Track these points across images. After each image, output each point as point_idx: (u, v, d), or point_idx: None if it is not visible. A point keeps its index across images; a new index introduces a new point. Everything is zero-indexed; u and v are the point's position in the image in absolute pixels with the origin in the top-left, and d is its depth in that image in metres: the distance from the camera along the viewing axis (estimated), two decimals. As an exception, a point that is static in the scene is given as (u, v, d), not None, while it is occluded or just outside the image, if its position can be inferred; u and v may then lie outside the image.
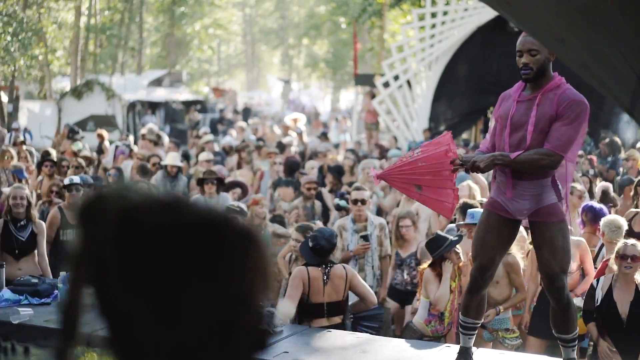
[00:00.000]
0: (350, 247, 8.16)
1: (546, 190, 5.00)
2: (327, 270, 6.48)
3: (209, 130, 24.91)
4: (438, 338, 6.67)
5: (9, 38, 26.66)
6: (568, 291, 5.08)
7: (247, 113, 38.21)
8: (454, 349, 5.66)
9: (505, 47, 18.10)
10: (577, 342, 5.27)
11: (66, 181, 9.13)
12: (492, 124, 5.33)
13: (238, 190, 11.01)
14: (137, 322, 1.10)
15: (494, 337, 6.81)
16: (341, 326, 6.46)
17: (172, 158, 12.77)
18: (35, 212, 8.30)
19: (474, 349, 5.48)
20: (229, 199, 10.24)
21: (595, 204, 8.43)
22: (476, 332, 5.45)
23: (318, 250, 6.54)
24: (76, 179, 9.10)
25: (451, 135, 5.27)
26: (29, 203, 8.11)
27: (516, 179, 5.02)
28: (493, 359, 5.65)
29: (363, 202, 8.37)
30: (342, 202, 9.20)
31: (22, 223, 7.97)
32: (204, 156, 13.74)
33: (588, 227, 8.17)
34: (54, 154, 13.23)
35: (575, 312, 5.21)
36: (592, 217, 8.07)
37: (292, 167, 12.34)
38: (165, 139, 18.65)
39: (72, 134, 19.93)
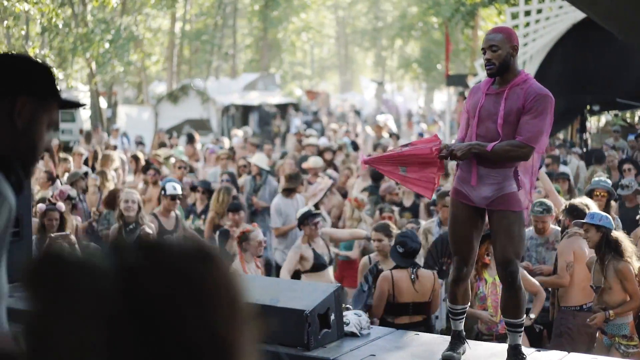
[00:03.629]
0: None
1: (507, 179, 5.19)
2: (414, 271, 6.86)
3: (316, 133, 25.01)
4: (500, 338, 6.58)
5: (107, 45, 27.33)
6: (520, 276, 5.25)
7: (358, 115, 38.32)
8: (542, 354, 5.53)
9: (600, 44, 17.74)
10: (523, 327, 5.36)
11: (170, 190, 9.11)
12: (464, 116, 5.51)
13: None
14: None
15: (612, 342, 6.54)
16: (424, 324, 6.91)
17: (257, 158, 12.82)
18: (144, 216, 8.51)
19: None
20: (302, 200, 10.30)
21: None
22: (464, 315, 5.60)
23: (410, 254, 6.91)
24: (178, 188, 9.20)
25: (439, 139, 5.45)
26: (139, 207, 8.34)
27: (481, 167, 5.22)
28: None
29: None
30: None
31: (131, 227, 8.21)
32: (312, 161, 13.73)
33: None
34: (142, 158, 13.56)
35: (525, 298, 5.33)
36: None
37: (377, 176, 12.20)
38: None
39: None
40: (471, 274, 5.55)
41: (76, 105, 2.40)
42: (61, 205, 8.18)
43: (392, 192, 10.48)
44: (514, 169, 5.17)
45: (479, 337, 6.86)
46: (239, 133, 22.04)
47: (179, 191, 9.12)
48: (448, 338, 6.05)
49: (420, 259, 7.60)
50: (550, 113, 5.08)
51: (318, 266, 8.12)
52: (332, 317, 5.54)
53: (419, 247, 7.03)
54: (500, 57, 5.10)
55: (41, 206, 7.95)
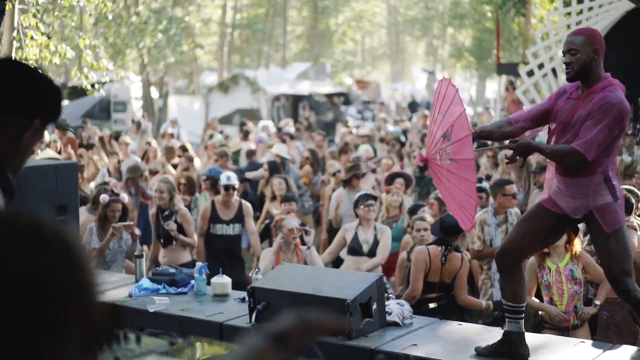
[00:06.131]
0: (495, 242, 7.95)
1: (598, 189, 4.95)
2: (445, 252, 6.89)
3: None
4: (563, 329, 6.48)
5: (159, 35, 27.59)
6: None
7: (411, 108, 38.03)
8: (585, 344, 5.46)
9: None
10: None
11: (223, 181, 9.15)
12: (545, 104, 5.21)
13: (400, 181, 10.65)
14: None
15: None
16: (447, 303, 6.91)
17: (278, 148, 13.04)
18: (178, 202, 8.70)
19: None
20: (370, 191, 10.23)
21: None
22: (521, 316, 5.25)
23: (446, 229, 6.92)
24: (233, 178, 9.25)
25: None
26: (171, 195, 8.54)
27: (565, 177, 5.03)
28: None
29: (514, 195, 8.23)
30: (484, 184, 9.12)
31: (166, 213, 8.45)
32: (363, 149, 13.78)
33: None
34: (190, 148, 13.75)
35: None
36: None
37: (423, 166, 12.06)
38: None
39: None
40: (512, 272, 5.24)
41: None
42: (124, 197, 8.33)
43: None
44: (605, 178, 4.92)
45: (540, 326, 6.73)
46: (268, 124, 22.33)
47: (233, 181, 9.15)
48: (490, 328, 6.01)
49: None
50: (615, 123, 4.78)
51: (351, 249, 8.14)
52: (374, 306, 5.54)
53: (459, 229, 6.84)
54: (579, 61, 4.87)
55: (104, 197, 8.08)
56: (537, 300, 6.70)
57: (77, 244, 0.96)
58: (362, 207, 8.22)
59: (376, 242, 8.20)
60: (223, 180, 9.08)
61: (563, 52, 4.96)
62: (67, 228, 0.97)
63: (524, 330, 5.29)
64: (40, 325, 0.90)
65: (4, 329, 0.88)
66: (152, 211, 8.80)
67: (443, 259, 6.86)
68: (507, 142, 5.12)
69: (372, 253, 8.18)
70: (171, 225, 8.42)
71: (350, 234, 8.24)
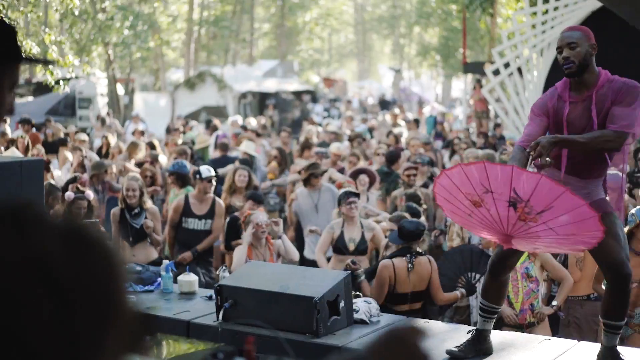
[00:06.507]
0: (473, 239, 8.03)
1: (597, 188, 4.92)
2: (411, 259, 6.78)
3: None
4: (519, 327, 6.53)
5: (126, 32, 27.43)
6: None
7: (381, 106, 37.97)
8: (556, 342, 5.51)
9: (619, 33, 17.59)
10: (620, 329, 5.00)
11: (205, 173, 9.03)
12: (536, 118, 4.95)
13: (365, 178, 10.46)
14: None
15: (634, 331, 6.34)
16: (421, 310, 6.92)
17: (246, 145, 13.14)
18: (147, 200, 8.64)
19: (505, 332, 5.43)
20: (332, 188, 10.14)
21: None
22: (495, 316, 5.29)
23: (407, 237, 6.82)
24: (212, 170, 9.17)
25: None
26: (142, 192, 8.46)
27: (574, 177, 4.93)
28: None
29: None
30: None
31: (135, 211, 8.36)
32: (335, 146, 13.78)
33: None
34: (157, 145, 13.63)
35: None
36: None
37: (393, 158, 12.08)
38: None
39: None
40: (505, 274, 5.22)
41: (40, 61, 2.23)
42: (89, 194, 8.24)
43: None
44: (604, 179, 4.91)
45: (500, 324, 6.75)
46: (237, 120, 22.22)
47: (213, 172, 9.10)
48: (458, 326, 6.05)
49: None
50: None
51: (336, 248, 8.08)
52: (342, 304, 5.54)
53: (418, 234, 6.88)
54: (580, 55, 4.75)
55: (69, 194, 7.98)
56: None
57: (116, 248, 0.95)
58: (344, 205, 8.11)
59: (364, 240, 8.08)
60: (205, 173, 9.00)
61: (559, 48, 4.81)
62: (103, 231, 0.94)
63: (491, 328, 5.34)
64: (86, 332, 0.89)
65: (51, 336, 0.86)
66: (114, 210, 8.65)
67: (409, 267, 6.75)
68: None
69: (358, 251, 8.03)
70: (148, 223, 8.34)
71: (336, 232, 8.17)
